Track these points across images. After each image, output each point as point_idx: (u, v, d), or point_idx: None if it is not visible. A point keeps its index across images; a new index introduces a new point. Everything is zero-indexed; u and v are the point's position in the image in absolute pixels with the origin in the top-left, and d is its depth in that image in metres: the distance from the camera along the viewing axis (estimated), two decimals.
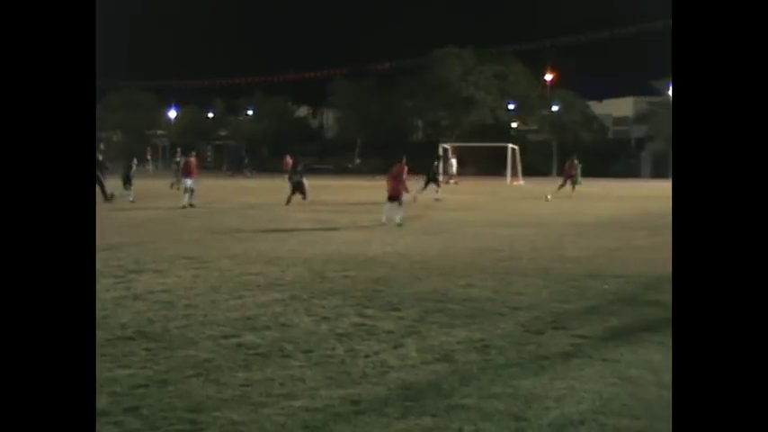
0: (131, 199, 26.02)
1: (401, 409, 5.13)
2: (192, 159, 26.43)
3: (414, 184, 23.18)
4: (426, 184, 30.14)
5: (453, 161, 53.19)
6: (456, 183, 48.09)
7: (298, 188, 25.69)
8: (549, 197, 29.97)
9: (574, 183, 33.01)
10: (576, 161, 33.94)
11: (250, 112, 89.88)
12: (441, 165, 31.79)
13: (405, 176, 19.23)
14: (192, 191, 24.57)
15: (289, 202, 25.38)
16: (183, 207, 23.65)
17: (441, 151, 55.95)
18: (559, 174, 53.13)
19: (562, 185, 32.58)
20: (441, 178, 31.49)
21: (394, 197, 18.91)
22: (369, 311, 8.30)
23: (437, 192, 29.95)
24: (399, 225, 18.17)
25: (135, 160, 29.16)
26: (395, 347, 6.78)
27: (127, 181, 26.89)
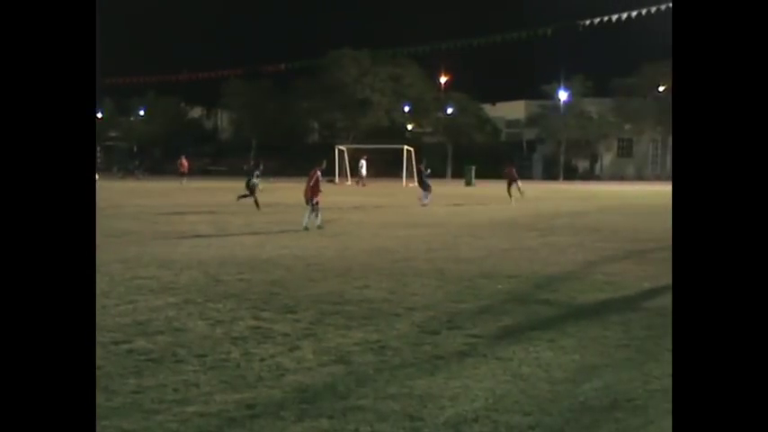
0: None
1: (297, 411, 5.10)
2: None
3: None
4: (425, 189, 29.37)
5: (363, 163, 53.16)
6: (363, 185, 48.29)
7: (252, 191, 24.91)
8: (513, 203, 29.64)
9: (512, 186, 31.84)
10: (513, 165, 33.46)
11: (142, 113, 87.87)
12: (426, 170, 30.35)
13: (315, 182, 18.75)
14: None
15: (258, 204, 24.59)
16: None
17: (337, 153, 56.13)
18: (458, 176, 54.03)
19: (517, 188, 31.37)
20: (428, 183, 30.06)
21: (309, 201, 18.53)
22: (264, 314, 8.23)
23: (426, 197, 29.02)
24: (320, 227, 18.00)
25: None
26: (291, 350, 6.74)
27: None
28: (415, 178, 30.37)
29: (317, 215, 18.38)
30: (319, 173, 18.87)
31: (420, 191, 29.89)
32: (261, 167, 26.77)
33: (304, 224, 18.04)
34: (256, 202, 24.65)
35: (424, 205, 28.05)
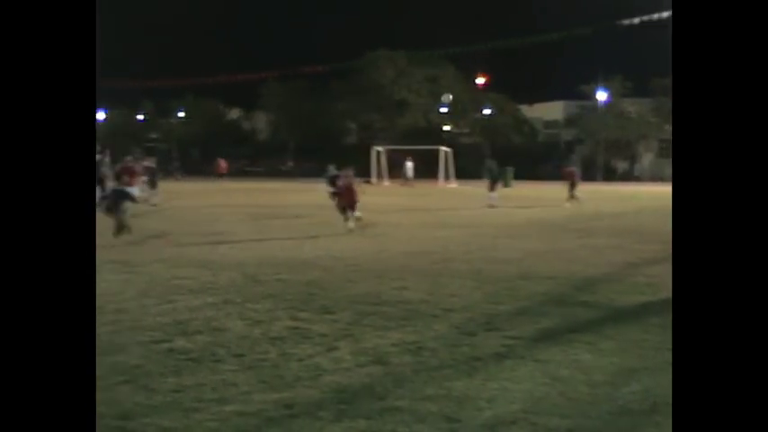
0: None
1: (335, 412, 5.11)
2: (135, 164, 25.28)
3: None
4: (491, 189, 28.91)
5: (409, 164, 52.69)
6: (411, 186, 47.94)
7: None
8: (567, 205, 29.00)
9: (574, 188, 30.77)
10: (573, 166, 32.53)
11: (181, 115, 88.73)
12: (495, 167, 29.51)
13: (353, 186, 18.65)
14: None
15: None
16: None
17: (374, 154, 56.07)
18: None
19: (571, 190, 30.36)
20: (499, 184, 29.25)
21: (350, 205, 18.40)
22: (302, 315, 8.26)
23: (493, 197, 28.39)
24: (350, 230, 17.94)
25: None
26: (328, 350, 6.76)
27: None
28: (485, 177, 29.44)
29: (353, 217, 18.34)
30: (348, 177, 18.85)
31: (491, 190, 28.99)
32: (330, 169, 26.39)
33: (350, 226, 17.97)
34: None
35: (491, 206, 27.22)
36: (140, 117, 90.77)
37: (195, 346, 6.90)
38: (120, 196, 15.79)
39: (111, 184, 20.42)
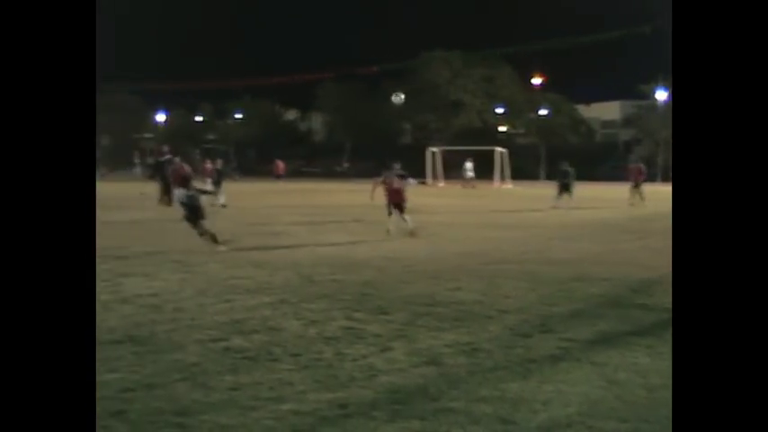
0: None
1: (389, 412, 5.13)
2: (184, 165, 25.50)
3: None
4: (560, 191, 27.98)
5: (469, 164, 51.90)
6: (473, 187, 47.43)
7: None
8: (633, 203, 28.76)
9: (637, 187, 30.21)
10: (641, 165, 31.84)
11: (238, 116, 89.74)
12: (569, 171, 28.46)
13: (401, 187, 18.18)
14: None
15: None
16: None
17: (429, 155, 55.89)
18: (549, 178, 53.08)
19: (636, 189, 30.01)
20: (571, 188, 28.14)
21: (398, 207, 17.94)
22: (357, 315, 8.30)
23: (559, 199, 27.45)
24: (388, 231, 17.53)
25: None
26: (383, 351, 6.79)
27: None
28: (557, 179, 28.83)
29: (402, 218, 17.81)
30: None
31: (559, 193, 28.27)
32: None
33: (411, 226, 17.44)
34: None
35: (555, 207, 26.53)
36: (198, 119, 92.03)
37: (252, 344, 6.98)
38: (193, 205, 14.62)
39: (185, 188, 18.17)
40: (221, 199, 26.32)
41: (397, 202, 17.67)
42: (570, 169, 28.72)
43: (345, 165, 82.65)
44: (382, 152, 75.09)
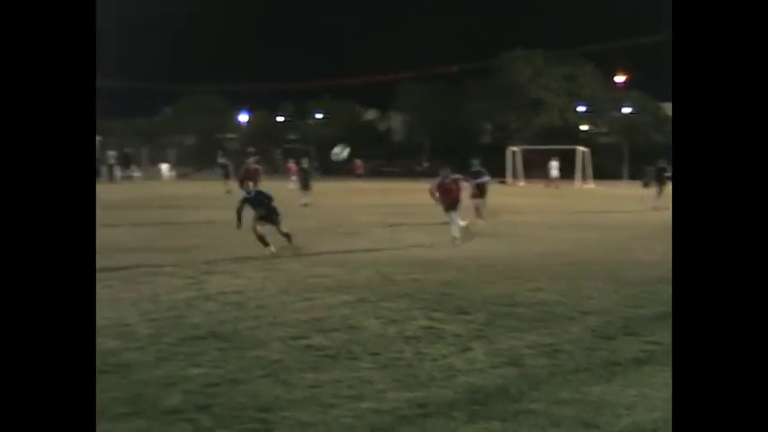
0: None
1: (469, 412, 5.11)
2: (256, 165, 25.73)
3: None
4: (660, 190, 26.81)
5: (554, 164, 51.05)
6: (557, 187, 46.78)
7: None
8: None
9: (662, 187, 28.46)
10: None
11: (319, 116, 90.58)
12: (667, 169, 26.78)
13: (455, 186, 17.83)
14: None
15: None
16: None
17: (509, 154, 55.44)
18: (633, 177, 51.83)
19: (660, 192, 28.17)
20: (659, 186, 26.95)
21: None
22: (437, 315, 8.30)
23: (658, 200, 26.07)
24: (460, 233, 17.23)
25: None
26: (462, 351, 6.77)
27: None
28: (654, 178, 27.78)
29: (454, 219, 17.36)
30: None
31: (655, 194, 27.19)
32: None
33: (464, 224, 17.24)
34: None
35: (655, 208, 25.22)
36: (280, 119, 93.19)
37: (332, 343, 7.05)
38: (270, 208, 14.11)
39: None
40: (305, 198, 26.63)
41: (451, 201, 17.28)
42: (669, 166, 27.19)
43: (425, 164, 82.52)
44: (462, 152, 74.88)
